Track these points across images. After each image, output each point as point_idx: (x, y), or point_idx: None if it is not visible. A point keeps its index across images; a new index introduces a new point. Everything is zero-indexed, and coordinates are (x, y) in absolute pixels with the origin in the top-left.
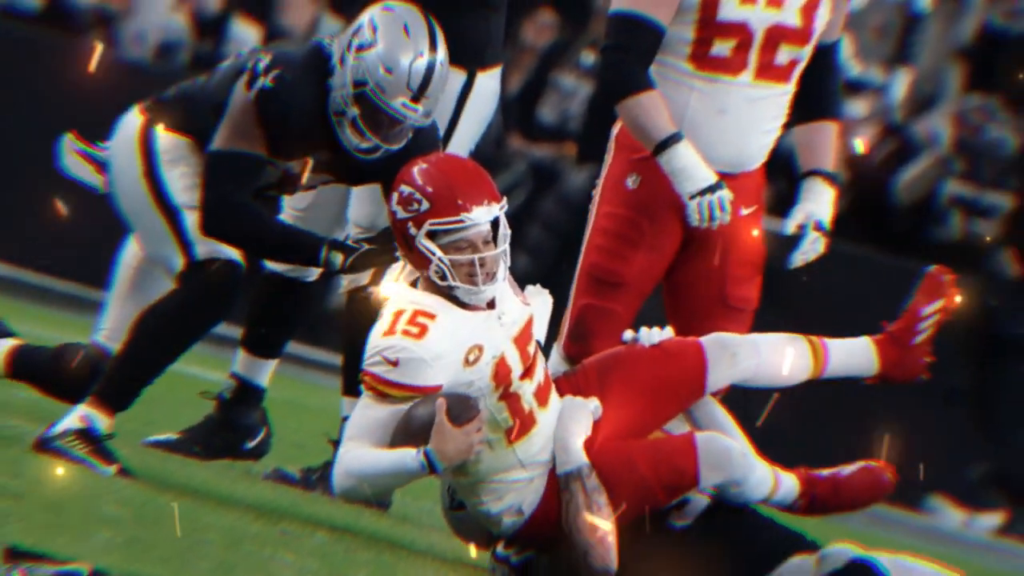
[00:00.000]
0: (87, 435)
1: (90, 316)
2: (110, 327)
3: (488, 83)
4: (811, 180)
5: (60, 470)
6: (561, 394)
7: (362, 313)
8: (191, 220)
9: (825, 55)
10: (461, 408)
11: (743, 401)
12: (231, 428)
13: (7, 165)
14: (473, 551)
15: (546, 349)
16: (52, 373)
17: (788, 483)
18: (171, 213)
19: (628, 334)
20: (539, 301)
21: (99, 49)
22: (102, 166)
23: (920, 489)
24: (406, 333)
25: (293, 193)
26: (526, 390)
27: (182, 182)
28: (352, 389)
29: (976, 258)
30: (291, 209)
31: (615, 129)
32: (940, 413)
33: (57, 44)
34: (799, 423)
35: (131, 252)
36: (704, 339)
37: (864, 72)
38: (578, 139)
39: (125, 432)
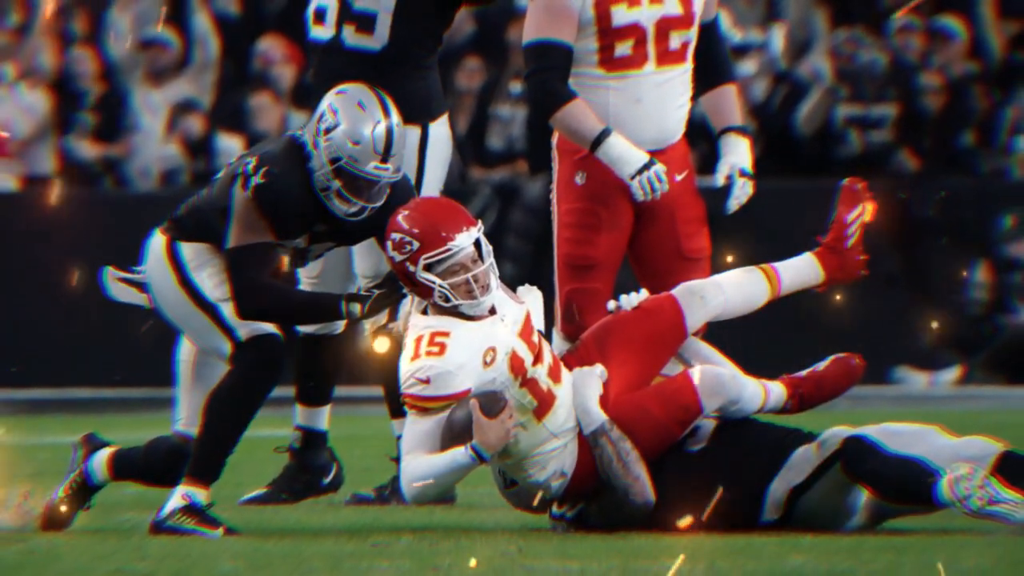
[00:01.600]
0: (191, 509)
1: (165, 412)
2: (185, 415)
3: (440, 131)
4: (727, 136)
5: (177, 544)
6: (569, 368)
7: (389, 347)
8: (228, 310)
9: (709, 31)
10: (491, 403)
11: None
12: (307, 471)
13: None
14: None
15: (547, 335)
16: (149, 466)
17: (776, 390)
18: (209, 309)
19: (611, 304)
20: (531, 297)
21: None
22: (142, 286)
23: (885, 364)
24: (429, 353)
25: (305, 265)
26: (540, 373)
27: (212, 280)
28: (397, 411)
29: (879, 162)
30: (307, 278)
31: (554, 139)
32: (885, 297)
33: (80, 196)
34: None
35: (186, 349)
36: (675, 291)
37: (745, 36)
38: (526, 156)
39: (222, 498)
